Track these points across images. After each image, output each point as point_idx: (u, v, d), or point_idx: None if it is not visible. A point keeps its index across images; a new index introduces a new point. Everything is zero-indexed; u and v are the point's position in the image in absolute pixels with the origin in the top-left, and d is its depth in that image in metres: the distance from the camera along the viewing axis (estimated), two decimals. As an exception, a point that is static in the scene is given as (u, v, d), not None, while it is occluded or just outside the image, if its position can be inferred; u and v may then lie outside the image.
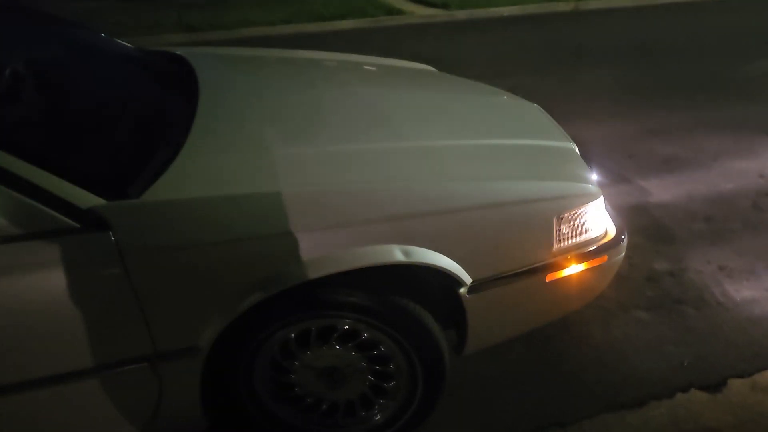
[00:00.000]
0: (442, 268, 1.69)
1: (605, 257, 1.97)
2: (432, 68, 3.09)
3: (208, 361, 1.60)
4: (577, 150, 2.20)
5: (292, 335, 1.73)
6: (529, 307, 1.94)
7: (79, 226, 1.42)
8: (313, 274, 1.56)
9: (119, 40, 2.43)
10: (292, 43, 7.92)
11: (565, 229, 1.87)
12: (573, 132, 4.25)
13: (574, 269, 1.91)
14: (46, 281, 1.40)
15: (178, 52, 2.53)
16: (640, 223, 3.20)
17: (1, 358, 1.44)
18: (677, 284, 2.74)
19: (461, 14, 9.25)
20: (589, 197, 1.92)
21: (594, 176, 2.05)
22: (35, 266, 1.39)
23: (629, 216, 3.25)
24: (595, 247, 1.95)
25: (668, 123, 4.52)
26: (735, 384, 2.20)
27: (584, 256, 1.92)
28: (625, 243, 2.05)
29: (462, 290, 1.76)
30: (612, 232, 2.03)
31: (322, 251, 1.57)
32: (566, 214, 1.85)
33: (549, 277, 1.87)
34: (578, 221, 1.90)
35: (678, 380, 2.24)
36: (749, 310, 2.56)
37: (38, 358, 1.46)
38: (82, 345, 1.47)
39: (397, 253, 1.63)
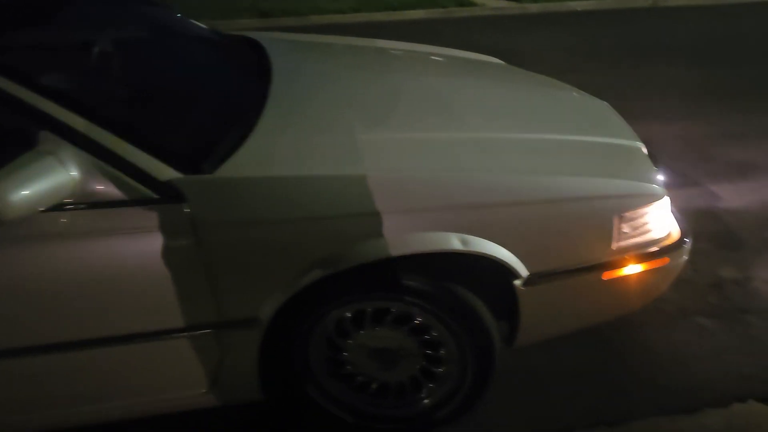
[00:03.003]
0: (498, 259, 1.71)
1: (667, 259, 1.94)
2: (500, 61, 3.09)
3: (268, 334, 1.67)
4: (645, 150, 2.16)
5: (348, 314, 1.79)
6: (584, 304, 1.94)
7: (157, 197, 1.51)
8: (371, 256, 1.61)
9: (197, 23, 2.54)
10: (361, 31, 7.94)
11: (625, 228, 1.85)
12: (644, 131, 4.15)
13: (632, 269, 1.89)
14: (124, 247, 1.51)
15: (252, 36, 2.62)
16: (708, 229, 3.11)
17: (77, 315, 1.56)
18: (743, 293, 2.66)
19: (533, 8, 9.09)
20: (653, 197, 1.89)
21: (660, 177, 2.01)
22: (115, 232, 1.50)
23: (697, 220, 3.14)
24: (656, 249, 1.92)
25: (746, 126, 4.33)
26: (797, 398, 2.14)
27: (644, 257, 1.90)
28: (688, 246, 2.01)
29: (517, 282, 1.77)
30: (676, 235, 1.99)
31: (382, 235, 1.62)
32: (628, 213, 1.83)
33: (606, 276, 1.86)
34: (640, 221, 1.87)
35: (736, 390, 2.18)
36: (819, 324, 2.47)
37: (110, 318, 1.57)
38: (152, 308, 1.58)
39: (455, 242, 1.66)
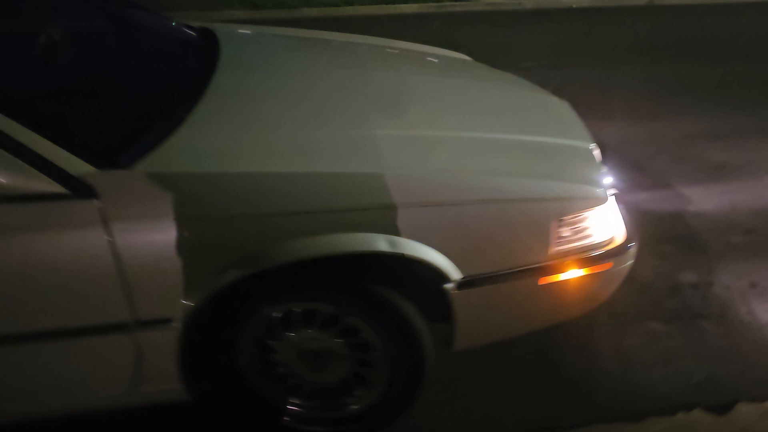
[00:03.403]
0: (428, 261, 1.67)
1: (609, 264, 1.90)
2: (467, 57, 3.03)
3: (189, 334, 1.63)
4: (595, 151, 2.11)
5: (277, 315, 1.75)
6: (521, 309, 1.89)
7: (68, 192, 1.47)
8: (292, 256, 1.57)
9: (150, 11, 2.48)
10: (353, 24, 7.91)
11: (565, 231, 1.81)
12: (623, 131, 4.12)
13: (571, 274, 1.84)
14: (33, 243, 1.46)
15: (210, 27, 2.57)
16: (674, 232, 3.05)
17: None
18: (701, 298, 2.61)
19: (528, 3, 8.99)
20: (594, 201, 1.84)
21: (606, 179, 1.96)
22: (23, 228, 1.46)
23: (663, 223, 3.12)
24: (597, 253, 1.87)
25: (727, 127, 4.25)
26: (744, 409, 2.09)
27: (584, 262, 1.85)
28: (633, 251, 1.97)
29: (449, 286, 1.73)
30: (620, 239, 1.95)
31: (303, 235, 1.58)
32: (567, 217, 1.79)
33: (543, 281, 1.82)
34: (580, 225, 1.83)
35: (683, 398, 2.14)
36: (775, 332, 2.42)
37: (20, 316, 1.53)
38: (64, 307, 1.54)
39: (382, 243, 1.62)
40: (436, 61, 2.81)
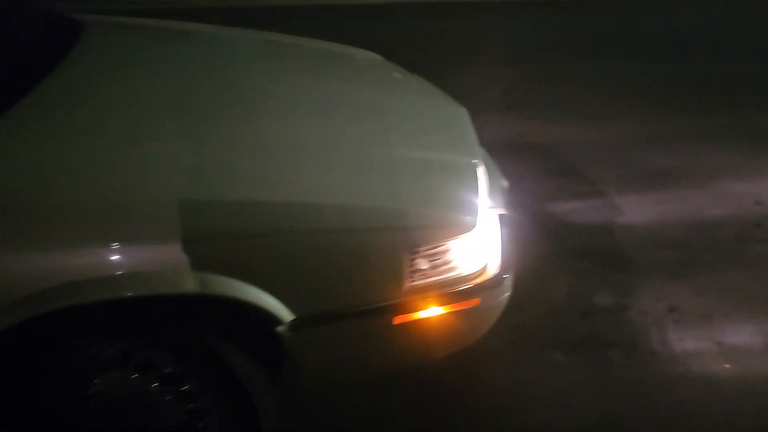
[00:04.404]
0: (248, 302, 1.45)
1: (477, 300, 1.68)
2: (377, 56, 2.79)
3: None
4: (480, 169, 1.86)
5: (80, 358, 1.53)
6: (374, 350, 1.68)
7: None
8: (74, 299, 1.34)
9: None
10: (321, 14, 7.65)
11: (423, 264, 1.59)
12: (566, 133, 3.91)
13: (432, 312, 1.63)
14: None
15: (80, 19, 2.31)
16: (598, 246, 2.85)
17: None
18: (613, 324, 2.41)
19: (500, -7, 8.73)
20: (458, 229, 1.61)
21: (480, 204, 1.72)
22: None
23: (587, 236, 2.91)
24: (462, 288, 1.65)
25: (674, 129, 4.05)
26: (636, 456, 1.90)
27: (446, 298, 1.63)
28: (508, 283, 1.75)
29: (280, 328, 1.51)
30: (492, 270, 1.73)
31: (90, 273, 1.34)
32: (424, 248, 1.57)
33: (397, 320, 1.60)
34: (443, 257, 1.61)
35: (572, 442, 1.95)
36: (686, 365, 2.22)
37: None
38: None
39: (189, 282, 1.40)
40: (331, 62, 2.55)
